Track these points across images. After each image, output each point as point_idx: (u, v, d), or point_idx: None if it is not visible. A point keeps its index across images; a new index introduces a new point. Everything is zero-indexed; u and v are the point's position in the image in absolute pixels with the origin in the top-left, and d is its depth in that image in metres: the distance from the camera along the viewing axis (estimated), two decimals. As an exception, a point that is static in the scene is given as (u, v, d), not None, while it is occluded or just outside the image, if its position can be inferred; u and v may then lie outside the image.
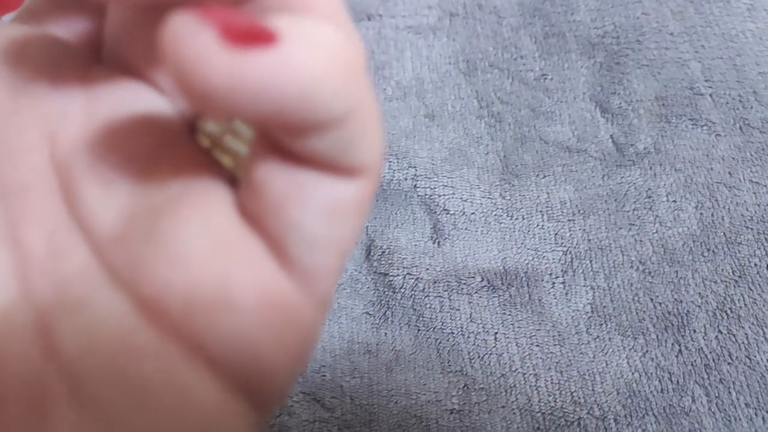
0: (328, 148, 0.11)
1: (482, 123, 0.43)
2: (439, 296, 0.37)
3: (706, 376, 0.34)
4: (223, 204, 0.12)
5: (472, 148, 0.42)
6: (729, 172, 0.39)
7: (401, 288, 0.38)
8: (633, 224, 0.39)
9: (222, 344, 0.11)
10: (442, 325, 0.37)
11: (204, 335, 0.11)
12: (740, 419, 0.33)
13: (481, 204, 0.40)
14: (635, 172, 0.40)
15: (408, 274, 0.38)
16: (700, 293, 0.36)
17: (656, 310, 0.36)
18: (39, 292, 0.12)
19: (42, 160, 0.12)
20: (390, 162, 0.42)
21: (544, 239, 0.39)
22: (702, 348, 0.35)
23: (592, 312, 0.36)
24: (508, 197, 0.40)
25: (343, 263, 0.13)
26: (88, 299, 0.11)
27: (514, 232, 0.39)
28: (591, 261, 0.38)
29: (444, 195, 0.40)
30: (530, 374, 0.35)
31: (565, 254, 0.38)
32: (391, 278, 0.38)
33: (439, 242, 0.39)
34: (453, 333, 0.36)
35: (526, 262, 0.38)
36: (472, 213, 0.40)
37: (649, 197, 0.39)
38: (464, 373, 0.35)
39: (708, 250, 0.37)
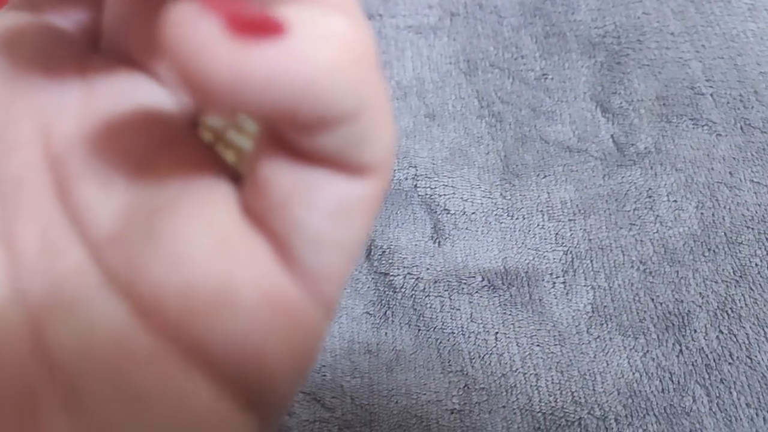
0: (337, 145, 0.10)
1: (483, 123, 0.43)
2: (440, 296, 0.37)
3: (707, 376, 0.34)
4: (226, 202, 0.11)
5: (473, 147, 0.42)
6: (730, 172, 0.39)
7: (402, 288, 0.38)
8: (634, 224, 0.39)
9: (223, 348, 0.11)
10: (442, 324, 0.37)
11: (204, 339, 0.11)
12: (741, 419, 0.33)
13: (482, 204, 0.40)
14: (636, 171, 0.40)
15: (408, 273, 0.38)
16: (700, 293, 0.36)
17: (657, 310, 0.36)
18: (32, 291, 0.11)
19: (36, 154, 0.12)
20: (390, 162, 0.42)
21: (545, 239, 0.39)
22: (703, 348, 0.35)
23: (593, 312, 0.36)
24: (509, 197, 0.40)
25: (350, 266, 0.12)
26: (83, 300, 0.11)
27: (515, 231, 0.39)
28: (591, 261, 0.38)
29: (444, 195, 0.40)
30: (531, 374, 0.35)
31: (566, 254, 0.38)
32: (391, 278, 0.38)
33: (439, 242, 0.39)
34: (453, 333, 0.36)
35: (527, 261, 0.38)
36: (473, 213, 0.40)
37: (650, 197, 0.39)
38: (465, 372, 0.35)
39: (709, 250, 0.37)
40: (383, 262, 0.38)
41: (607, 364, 0.35)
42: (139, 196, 0.11)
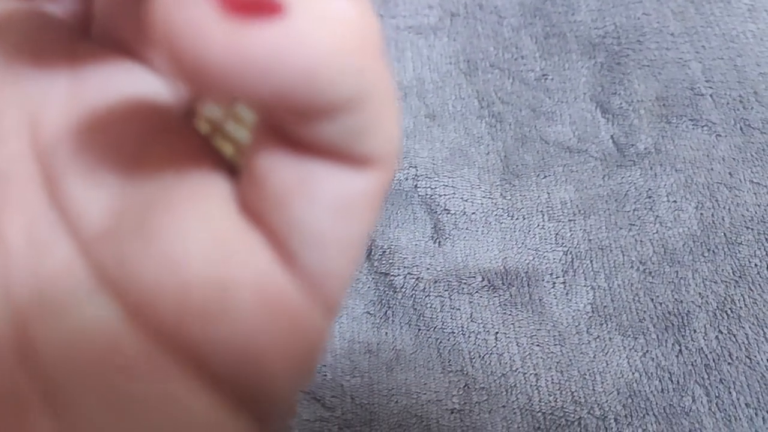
0: (338, 135, 0.09)
1: (483, 123, 0.43)
2: (440, 296, 0.37)
3: (706, 376, 0.34)
4: (222, 197, 0.11)
5: (473, 148, 0.42)
6: (729, 173, 0.40)
7: (402, 288, 0.38)
8: (633, 224, 0.39)
9: (219, 352, 0.10)
10: (442, 324, 0.37)
11: (199, 342, 0.10)
12: (740, 419, 0.33)
13: (482, 204, 0.40)
14: (636, 172, 0.40)
15: (409, 273, 0.38)
16: (700, 293, 0.36)
17: (656, 310, 0.36)
18: (18, 289, 0.10)
19: (23, 144, 0.11)
20: (391, 162, 0.42)
21: (545, 239, 0.39)
22: (702, 348, 0.35)
23: (593, 312, 0.36)
24: (509, 197, 0.40)
25: (353, 265, 0.11)
26: (71, 300, 0.10)
27: (515, 232, 0.39)
28: (591, 261, 0.38)
29: (445, 195, 0.40)
30: (531, 374, 0.35)
31: (566, 254, 0.38)
32: (391, 278, 0.38)
33: (439, 242, 0.39)
34: (453, 332, 0.36)
35: (527, 262, 0.38)
36: (473, 213, 0.40)
37: (650, 197, 0.39)
38: (465, 372, 0.35)
39: (708, 250, 0.37)
40: (383, 262, 0.38)
41: (607, 364, 0.35)
42: (131, 191, 0.11)
